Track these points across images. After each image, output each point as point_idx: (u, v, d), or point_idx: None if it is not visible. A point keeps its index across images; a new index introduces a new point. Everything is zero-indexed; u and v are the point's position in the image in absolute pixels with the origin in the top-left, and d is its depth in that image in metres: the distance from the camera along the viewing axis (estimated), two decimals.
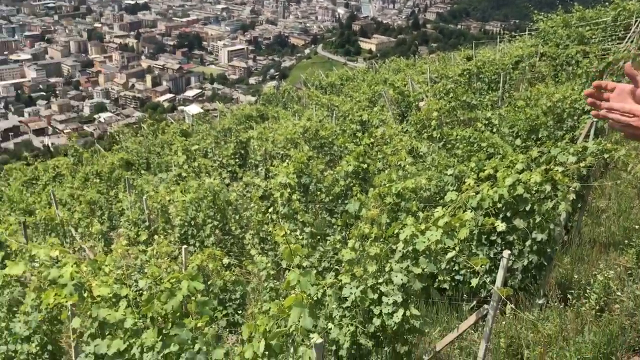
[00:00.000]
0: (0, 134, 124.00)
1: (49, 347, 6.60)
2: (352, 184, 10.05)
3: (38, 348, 6.54)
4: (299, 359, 3.55)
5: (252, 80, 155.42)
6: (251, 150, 15.79)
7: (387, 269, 5.66)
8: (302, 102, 25.40)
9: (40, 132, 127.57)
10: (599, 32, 18.81)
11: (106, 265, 5.99)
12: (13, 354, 6.87)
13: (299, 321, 3.60)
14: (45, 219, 14.75)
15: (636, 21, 17.54)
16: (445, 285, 7.05)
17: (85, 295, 5.64)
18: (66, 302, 5.74)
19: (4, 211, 15.58)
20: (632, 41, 16.95)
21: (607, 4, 20.17)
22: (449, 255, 5.16)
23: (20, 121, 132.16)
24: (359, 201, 8.48)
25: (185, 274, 4.67)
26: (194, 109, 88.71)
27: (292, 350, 3.79)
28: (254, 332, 4.14)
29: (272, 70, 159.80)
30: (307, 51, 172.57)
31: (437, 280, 6.54)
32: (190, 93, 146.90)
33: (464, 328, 5.81)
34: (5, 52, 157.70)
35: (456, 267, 7.25)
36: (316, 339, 3.60)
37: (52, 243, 8.81)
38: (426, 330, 6.68)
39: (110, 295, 5.49)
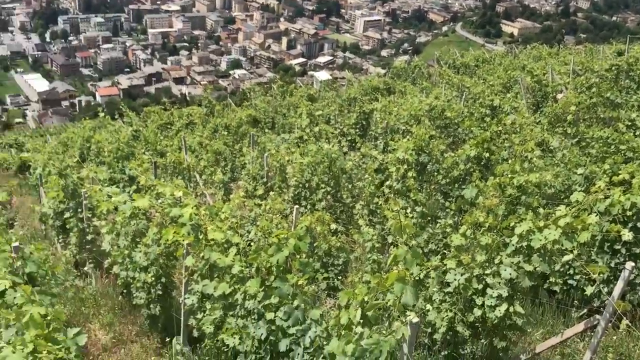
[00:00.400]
0: (144, 78, 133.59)
1: (163, 280, 7.10)
2: (472, 170, 9.71)
3: (153, 279, 7.06)
4: (392, 333, 3.53)
5: (384, 53, 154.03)
6: (373, 122, 15.72)
7: (496, 261, 5.45)
8: (432, 80, 24.79)
9: (179, 80, 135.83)
10: None
11: (223, 213, 6.28)
12: (131, 280, 7.49)
13: (399, 297, 3.57)
14: (174, 162, 15.77)
15: None
16: (556, 288, 6.68)
17: (201, 237, 5.97)
18: (183, 240, 6.13)
19: (139, 150, 16.79)
20: None
21: None
22: (566, 257, 4.85)
23: (163, 68, 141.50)
24: (477, 188, 8.19)
25: (293, 232, 4.78)
26: (323, 75, 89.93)
27: (387, 323, 3.78)
28: (352, 299, 4.17)
29: (405, 45, 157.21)
30: (444, 28, 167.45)
31: (547, 281, 6.21)
32: (321, 59, 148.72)
33: (569, 334, 5.49)
34: (158, 2, 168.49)
35: (571, 271, 6.82)
36: (413, 317, 3.55)
37: (178, 184, 9.39)
38: (528, 330, 6.39)
39: (223, 240, 5.77)
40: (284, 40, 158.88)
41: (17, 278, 4.33)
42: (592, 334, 5.33)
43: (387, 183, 9.61)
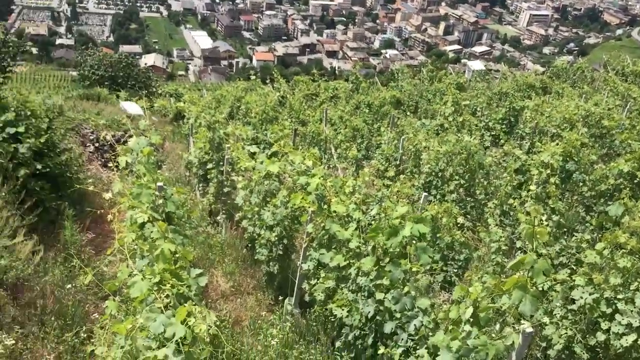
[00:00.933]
0: (299, 48, 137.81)
1: (285, 241, 7.37)
2: (622, 186, 8.92)
3: (276, 238, 7.35)
4: (502, 338, 3.38)
5: (546, 50, 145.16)
6: (522, 120, 14.94)
7: (632, 287, 4.99)
8: (594, 85, 22.96)
9: (331, 54, 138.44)
10: None
11: (348, 187, 6.36)
12: (256, 236, 7.87)
13: (516, 304, 3.40)
14: (313, 132, 16.20)
15: None
16: None
17: (324, 207, 6.10)
18: (308, 207, 6.31)
19: (283, 115, 17.43)
20: None
21: None
22: None
23: (318, 40, 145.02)
24: (625, 206, 7.52)
25: (412, 216, 4.71)
26: (476, 64, 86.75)
27: (497, 327, 3.63)
28: (466, 296, 4.05)
29: (571, 44, 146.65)
30: (618, 32, 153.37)
31: None
32: (478, 49, 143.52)
33: None
34: None
35: None
36: (527, 326, 3.37)
37: (313, 153, 9.62)
38: None
39: (345, 214, 5.85)
40: (442, 25, 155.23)
41: (156, 214, 4.73)
42: None
43: (525, 186, 9.13)
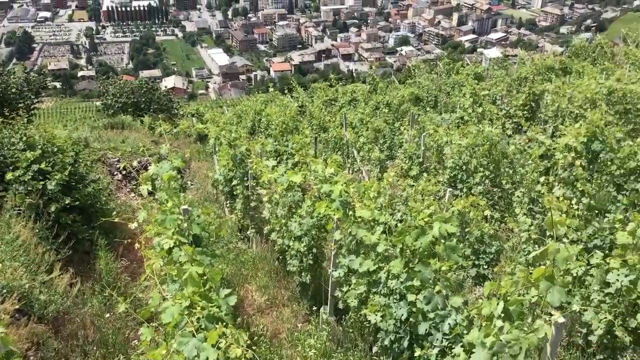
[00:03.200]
0: (315, 55, 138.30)
1: (314, 250, 7.40)
2: None
3: (305, 248, 7.40)
4: (534, 331, 3.36)
5: (563, 30, 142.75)
6: (543, 104, 14.73)
7: None
8: (615, 60, 22.48)
9: (347, 57, 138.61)
10: None
11: (372, 191, 6.37)
12: (286, 248, 7.93)
13: (543, 295, 3.37)
14: (335, 137, 16.24)
15: None
16: None
17: (350, 213, 6.13)
18: (334, 214, 6.34)
19: (304, 124, 17.51)
20: None
21: None
22: None
23: (332, 45, 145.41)
24: None
25: (439, 215, 4.70)
26: (493, 52, 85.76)
27: (530, 319, 3.60)
28: (497, 291, 4.02)
29: (589, 21, 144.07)
30: (637, 3, 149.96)
31: None
32: (493, 36, 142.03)
33: None
34: None
35: None
36: (558, 316, 3.33)
37: (334, 160, 9.65)
38: None
39: (370, 218, 5.86)
40: (455, 16, 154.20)
41: (183, 238, 4.82)
42: None
43: (552, 171, 9.00)
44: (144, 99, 28.42)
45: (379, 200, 6.86)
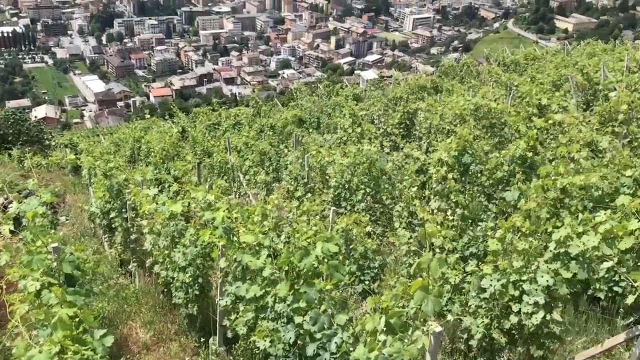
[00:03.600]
0: (196, 79, 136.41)
1: (200, 280, 7.19)
2: (516, 171, 9.43)
3: (191, 279, 7.16)
4: (414, 342, 3.46)
5: (433, 50, 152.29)
6: (417, 121, 15.51)
7: (533, 267, 5.27)
8: (480, 78, 24.27)
9: (230, 81, 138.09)
10: None
11: (256, 215, 6.32)
12: (171, 280, 7.62)
13: (420, 306, 3.49)
14: (220, 162, 16.02)
15: None
16: (601, 295, 6.39)
17: (234, 239, 6.02)
18: (218, 242, 6.20)
19: (186, 150, 17.12)
20: None
21: None
22: (605, 265, 4.63)
23: (214, 69, 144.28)
24: (519, 190, 7.96)
25: (321, 235, 4.74)
26: (370, 74, 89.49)
27: (410, 331, 3.70)
28: (378, 305, 4.11)
29: (456, 42, 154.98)
30: (496, 25, 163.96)
31: (592, 288, 5.96)
32: (370, 58, 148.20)
33: (610, 345, 5.26)
34: (210, 4, 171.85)
35: (616, 278, 6.51)
36: (435, 326, 3.46)
37: (218, 185, 9.48)
38: (568, 339, 6.16)
39: (255, 243, 5.79)
40: (333, 39, 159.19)
41: (52, 279, 4.47)
42: (636, 343, 5.08)
43: (429, 185, 9.46)
44: (11, 131, 26.51)
45: (265, 224, 6.80)
